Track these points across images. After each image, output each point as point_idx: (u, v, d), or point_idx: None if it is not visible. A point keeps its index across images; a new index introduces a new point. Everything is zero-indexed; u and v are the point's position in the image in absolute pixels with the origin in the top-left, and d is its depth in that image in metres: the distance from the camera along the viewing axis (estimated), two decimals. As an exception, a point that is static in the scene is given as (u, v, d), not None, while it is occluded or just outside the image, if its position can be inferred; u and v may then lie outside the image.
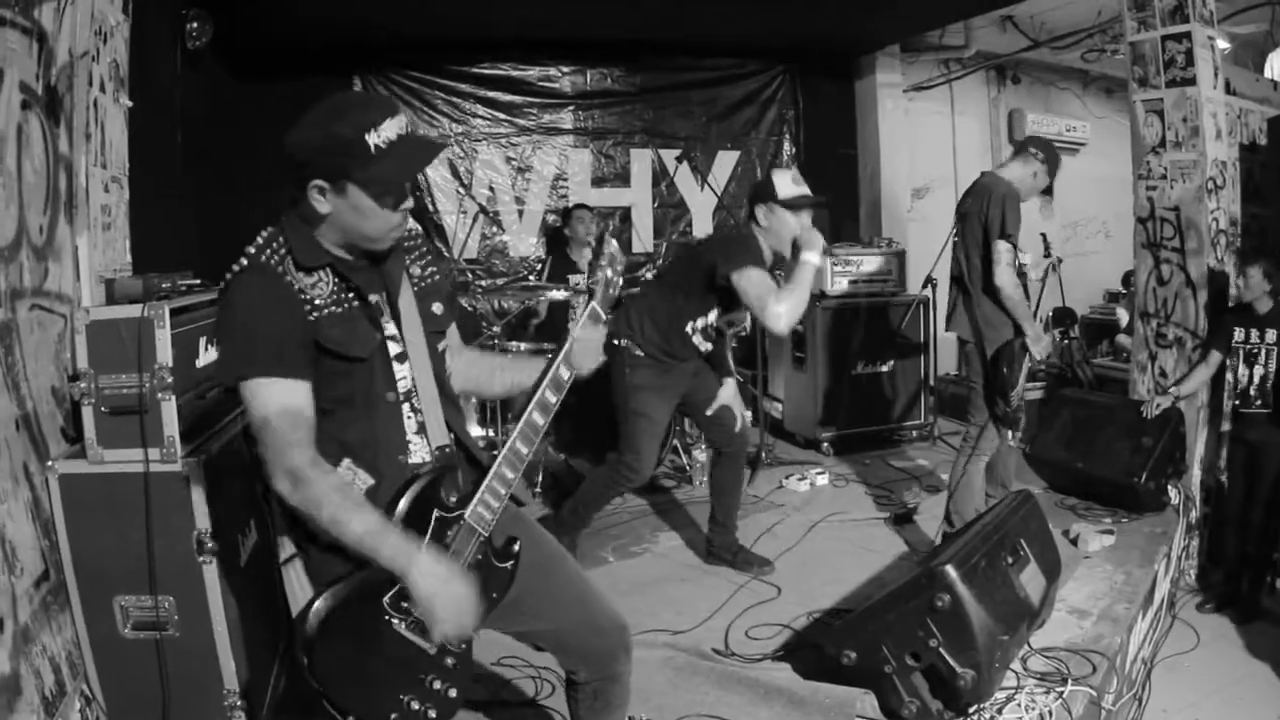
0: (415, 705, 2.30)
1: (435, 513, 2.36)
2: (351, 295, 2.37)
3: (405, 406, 2.45)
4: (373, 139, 2.18)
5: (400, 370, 2.45)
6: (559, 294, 6.80)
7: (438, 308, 2.60)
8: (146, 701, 3.26)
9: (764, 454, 7.42)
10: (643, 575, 5.27)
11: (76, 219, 3.70)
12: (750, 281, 4.55)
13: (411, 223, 2.55)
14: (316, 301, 2.29)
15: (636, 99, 9.38)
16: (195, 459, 3.20)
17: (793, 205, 4.67)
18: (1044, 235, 5.85)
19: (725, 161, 9.65)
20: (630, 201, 9.30)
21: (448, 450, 2.51)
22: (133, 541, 3.17)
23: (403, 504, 2.30)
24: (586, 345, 2.62)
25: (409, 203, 2.37)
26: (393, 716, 2.28)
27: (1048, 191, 5.42)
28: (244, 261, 2.28)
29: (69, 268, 3.63)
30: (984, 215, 5.15)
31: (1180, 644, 5.17)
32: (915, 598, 3.56)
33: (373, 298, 2.40)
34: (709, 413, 5.09)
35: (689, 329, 4.81)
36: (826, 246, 4.78)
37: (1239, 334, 5.60)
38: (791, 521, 6.08)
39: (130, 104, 4.23)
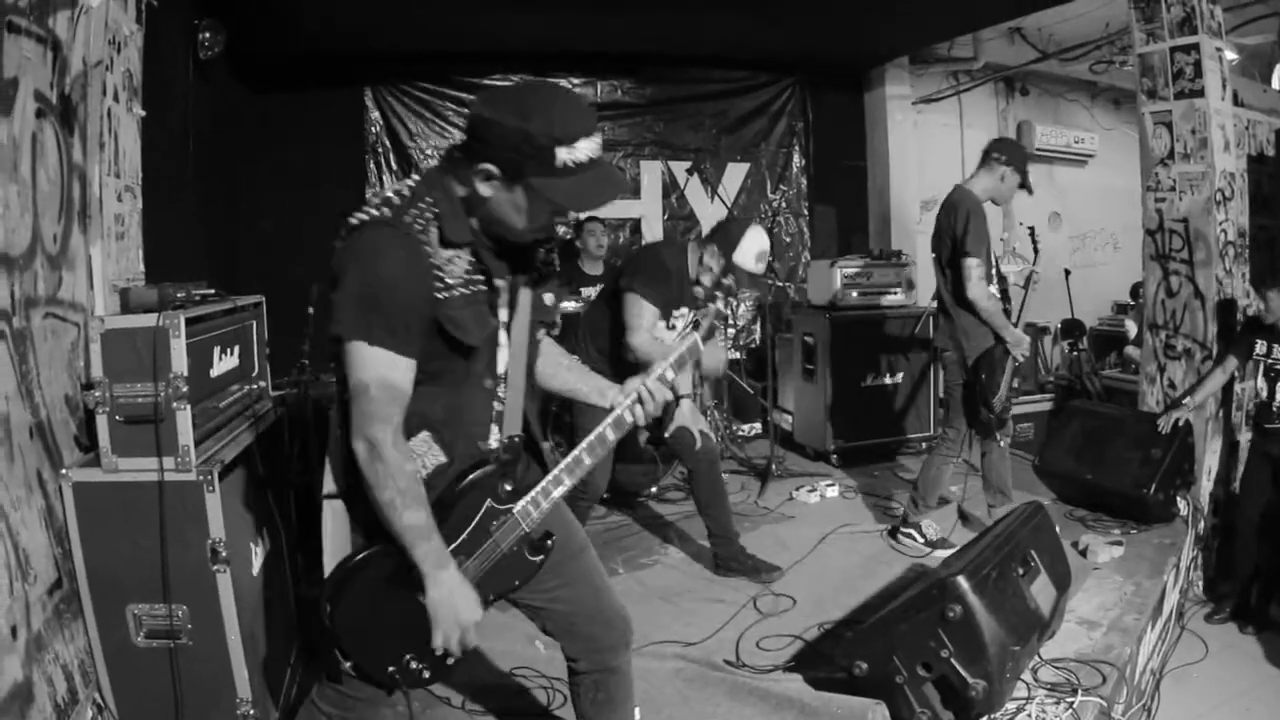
0: (414, 664, 2.42)
1: (488, 501, 2.44)
2: (481, 278, 2.36)
3: (497, 394, 2.48)
4: (563, 155, 2.15)
5: (502, 358, 2.47)
6: (570, 305, 6.80)
7: (549, 297, 2.64)
8: (159, 710, 3.26)
9: (774, 466, 7.41)
10: (653, 586, 5.26)
11: (90, 228, 3.71)
12: (634, 308, 4.58)
13: None
14: (448, 280, 2.27)
15: (647, 111, 9.40)
16: (209, 468, 3.20)
17: (738, 274, 4.67)
18: (1031, 230, 5.83)
19: (735, 173, 9.66)
20: (640, 213, 9.29)
21: (516, 441, 2.56)
22: (146, 550, 3.17)
23: (462, 487, 2.40)
24: (684, 373, 2.68)
25: (569, 219, 2.38)
26: (390, 668, 2.40)
27: (1024, 186, 5.47)
28: (385, 213, 2.24)
29: (82, 277, 3.64)
30: (953, 231, 5.30)
31: (1189, 654, 5.16)
32: (927, 608, 3.56)
33: (498, 283, 2.40)
34: (667, 435, 5.08)
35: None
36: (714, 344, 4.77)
37: (1261, 346, 5.60)
38: (802, 533, 6.05)
39: (143, 113, 4.25)
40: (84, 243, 3.67)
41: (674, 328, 4.76)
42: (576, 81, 9.14)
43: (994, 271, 5.55)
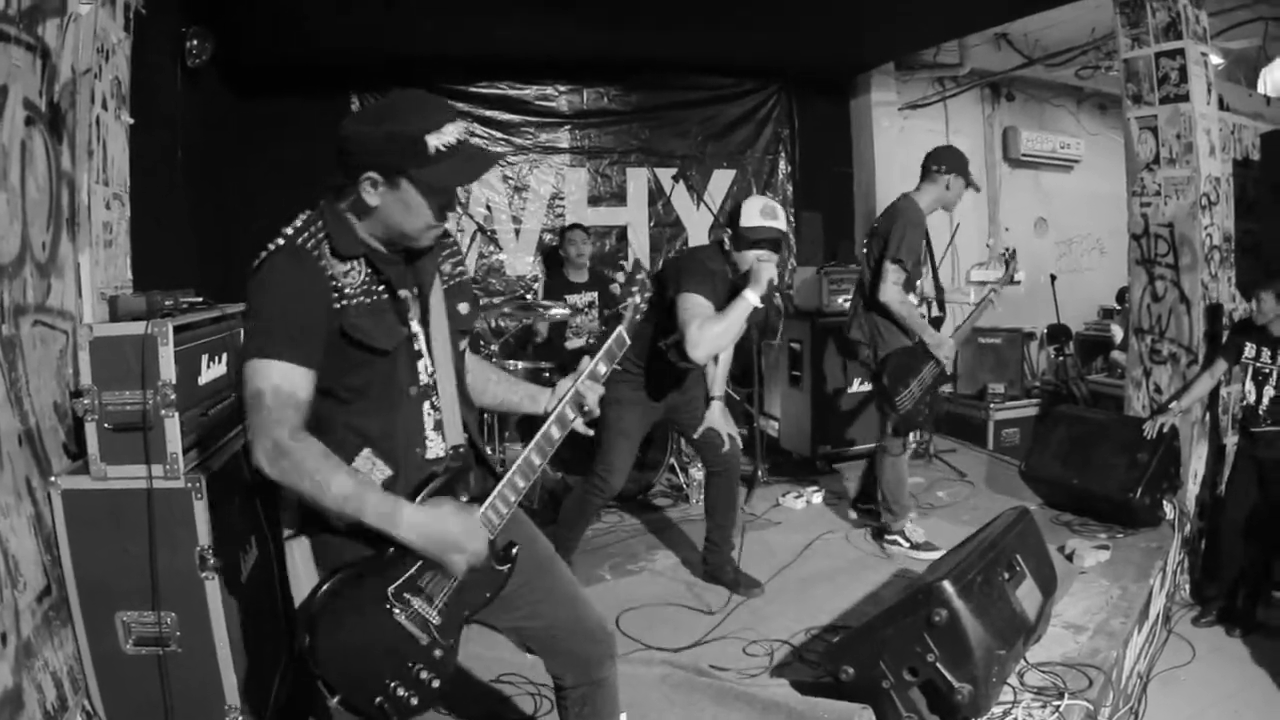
0: (401, 691, 2.39)
1: None
2: (382, 288, 2.41)
3: (426, 403, 2.50)
4: (434, 140, 2.25)
5: (423, 365, 2.50)
6: (557, 313, 6.80)
7: (464, 307, 2.66)
8: (148, 717, 3.27)
9: (760, 472, 7.42)
10: (640, 593, 5.26)
11: (79, 236, 3.73)
12: (685, 304, 4.52)
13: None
14: (346, 290, 2.34)
15: (633, 118, 9.37)
16: (198, 475, 3.21)
17: (750, 236, 4.64)
18: (1011, 253, 5.96)
19: (721, 180, 9.66)
20: (626, 220, 9.27)
21: (462, 450, 2.57)
22: (135, 557, 3.18)
23: (418, 500, 2.39)
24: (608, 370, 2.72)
25: (452, 209, 2.41)
26: (378, 699, 2.37)
27: (969, 185, 5.67)
28: (280, 242, 2.33)
29: (71, 284, 3.65)
30: (886, 235, 5.48)
31: (1176, 658, 5.18)
32: (913, 613, 3.58)
33: (403, 293, 2.45)
34: (695, 436, 5.09)
35: (662, 344, 4.78)
36: (775, 284, 4.72)
37: (1249, 349, 5.62)
38: (788, 539, 6.07)
39: (131, 121, 4.26)
40: (73, 250, 3.68)
41: None
42: (562, 89, 9.12)
43: (921, 282, 5.81)
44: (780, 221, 4.67)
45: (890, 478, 5.75)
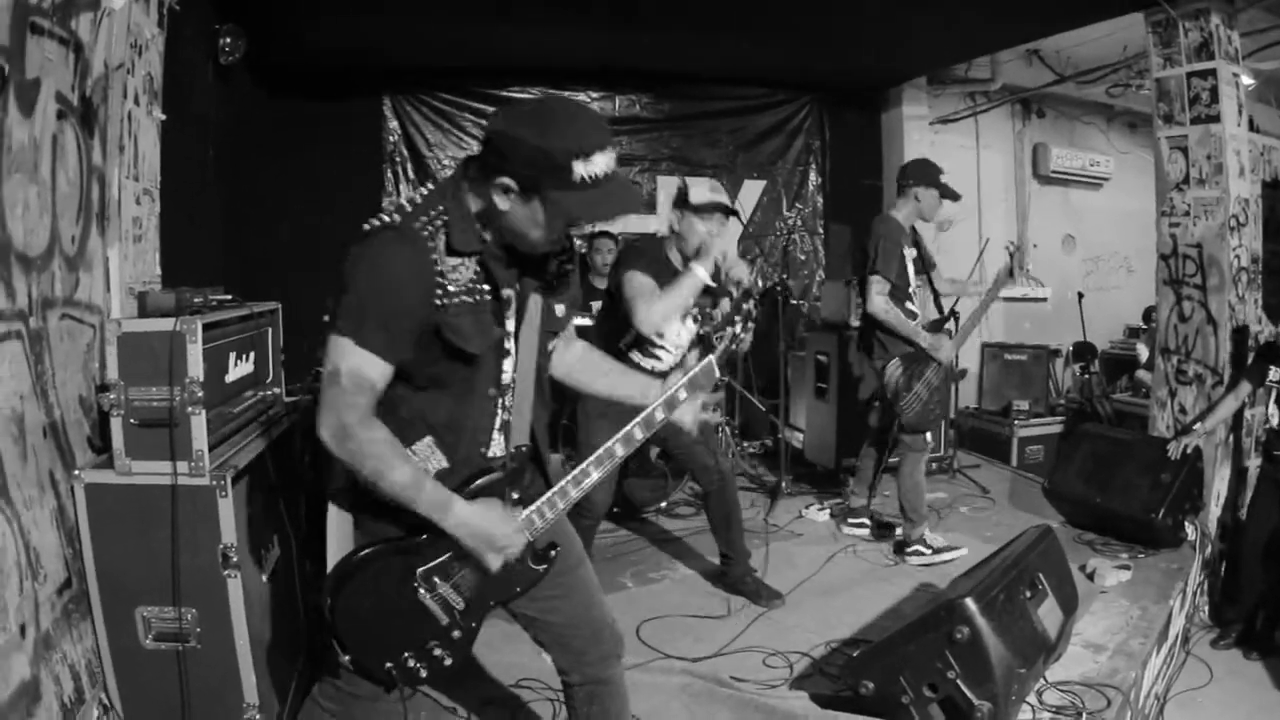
0: (411, 663, 2.46)
1: None
2: (487, 287, 2.39)
3: (499, 401, 2.51)
4: (580, 169, 2.17)
5: (509, 366, 2.50)
6: (580, 321, 6.78)
7: (561, 309, 2.64)
8: (165, 712, 3.26)
9: (784, 483, 7.41)
10: (661, 601, 5.25)
11: (108, 230, 3.73)
12: (629, 283, 4.56)
13: None
14: (450, 288, 2.31)
15: (664, 126, 9.40)
16: (223, 473, 3.21)
17: (699, 210, 4.67)
18: (1010, 245, 6.01)
19: (752, 190, 9.66)
20: (656, 228, 9.23)
21: (523, 451, 2.58)
22: (157, 553, 3.18)
23: (470, 489, 2.43)
24: (695, 397, 2.70)
25: (580, 226, 2.41)
26: (388, 665, 2.44)
27: (946, 195, 5.81)
28: (395, 218, 2.29)
29: (100, 279, 3.66)
30: (866, 253, 5.73)
31: (1194, 679, 5.14)
32: (934, 629, 3.57)
33: (505, 293, 2.43)
34: (677, 452, 5.05)
35: (621, 345, 4.75)
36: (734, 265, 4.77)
37: (1275, 373, 5.59)
38: (810, 551, 6.05)
39: (164, 117, 4.27)
40: (102, 245, 3.69)
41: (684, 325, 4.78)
42: (595, 95, 9.16)
43: (923, 289, 5.99)
44: (726, 199, 4.82)
45: (909, 484, 5.80)
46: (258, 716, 3.29)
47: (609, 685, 2.87)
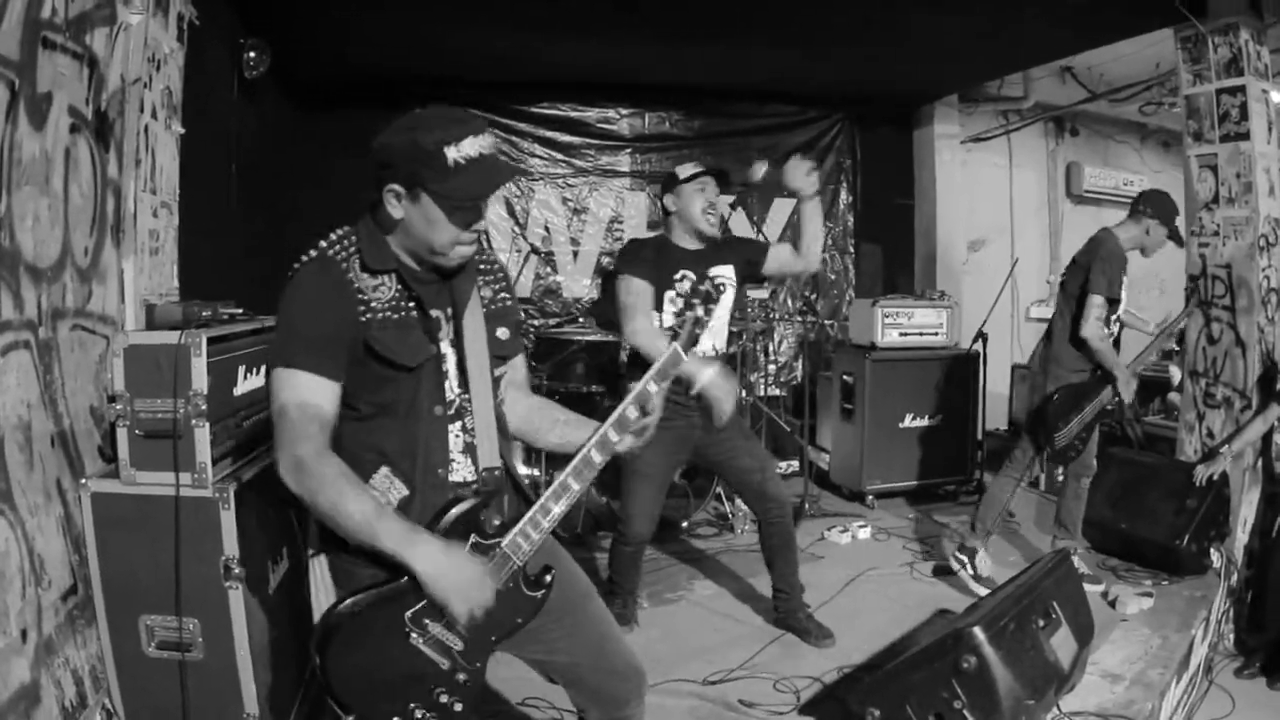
0: (419, 714, 2.35)
1: (472, 537, 2.39)
2: (412, 305, 2.42)
3: (456, 425, 2.48)
4: (451, 153, 2.24)
5: (451, 386, 2.48)
6: (607, 337, 6.80)
7: (503, 333, 2.63)
8: (167, 719, 3.28)
9: (807, 505, 7.37)
10: (676, 623, 5.24)
11: (123, 243, 3.77)
12: (623, 288, 4.59)
13: (493, 251, 2.60)
14: (373, 304, 2.36)
15: (694, 143, 9.34)
16: (226, 485, 3.22)
17: (689, 180, 4.71)
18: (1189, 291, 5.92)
19: (782, 209, 9.59)
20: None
21: (496, 474, 2.51)
22: (161, 562, 3.19)
23: (442, 524, 2.36)
24: (661, 390, 2.62)
25: (481, 224, 2.41)
26: None
27: (1173, 238, 5.62)
28: (312, 253, 2.38)
29: (114, 290, 3.70)
30: (1086, 267, 5.45)
31: (1216, 710, 5.05)
32: (941, 658, 3.53)
33: (434, 312, 2.45)
34: (730, 467, 4.89)
35: (623, 357, 4.71)
36: (723, 215, 4.87)
37: None
38: (830, 574, 5.99)
39: (182, 130, 4.31)
40: (116, 257, 3.73)
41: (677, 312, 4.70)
42: (625, 111, 9.17)
43: (1116, 315, 5.64)
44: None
45: (993, 492, 5.73)
46: (258, 727, 3.30)
47: None
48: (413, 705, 2.34)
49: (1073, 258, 5.69)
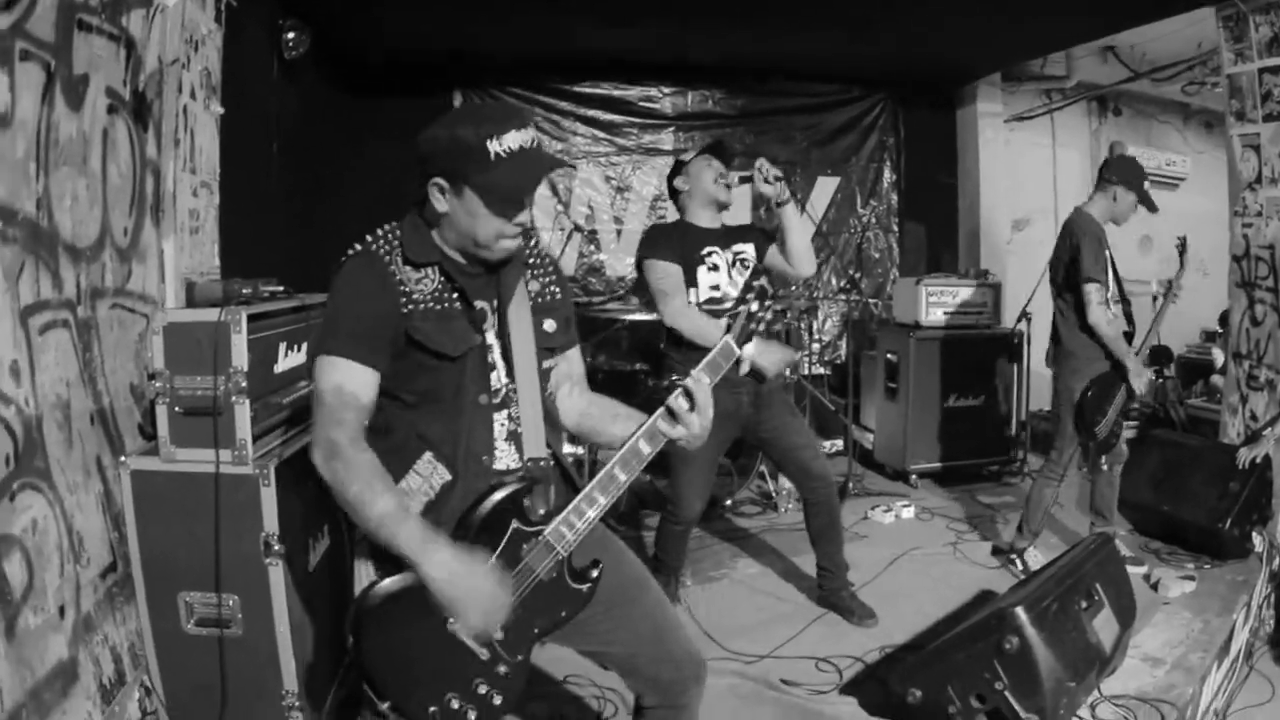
0: (455, 704, 2.31)
1: (514, 524, 2.37)
2: (455, 296, 2.43)
3: (501, 414, 2.47)
4: (494, 146, 2.24)
5: (499, 376, 2.47)
6: (651, 315, 6.78)
7: (550, 325, 2.61)
8: (205, 696, 3.30)
9: (851, 484, 7.35)
10: (719, 601, 5.22)
11: (163, 222, 3.79)
12: (652, 272, 4.64)
13: (545, 245, 2.60)
14: (415, 296, 2.38)
15: (737, 122, 9.31)
16: (266, 462, 3.23)
17: (695, 160, 4.75)
18: (1181, 241, 5.69)
19: (825, 187, 9.56)
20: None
21: (542, 463, 2.50)
22: (201, 539, 3.22)
23: (483, 508, 2.33)
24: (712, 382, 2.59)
25: (525, 216, 2.39)
26: (431, 709, 2.29)
27: (1144, 203, 5.57)
28: (358, 247, 2.41)
29: (154, 269, 3.72)
30: (1069, 255, 5.41)
31: (1255, 696, 4.96)
32: (984, 639, 3.50)
33: (479, 304, 2.45)
34: (779, 447, 4.86)
35: (661, 345, 4.70)
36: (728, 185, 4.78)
37: None
38: (874, 553, 5.96)
39: (221, 111, 4.32)
40: (156, 236, 3.75)
41: (716, 269, 4.73)
42: (667, 90, 9.14)
43: (1116, 290, 5.57)
44: None
45: (1034, 498, 5.63)
46: (297, 704, 3.32)
47: (685, 711, 2.78)
48: (449, 695, 2.30)
49: (1054, 250, 5.62)
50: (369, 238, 2.42)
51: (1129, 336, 5.51)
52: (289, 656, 3.30)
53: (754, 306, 2.68)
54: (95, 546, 3.16)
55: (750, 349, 4.03)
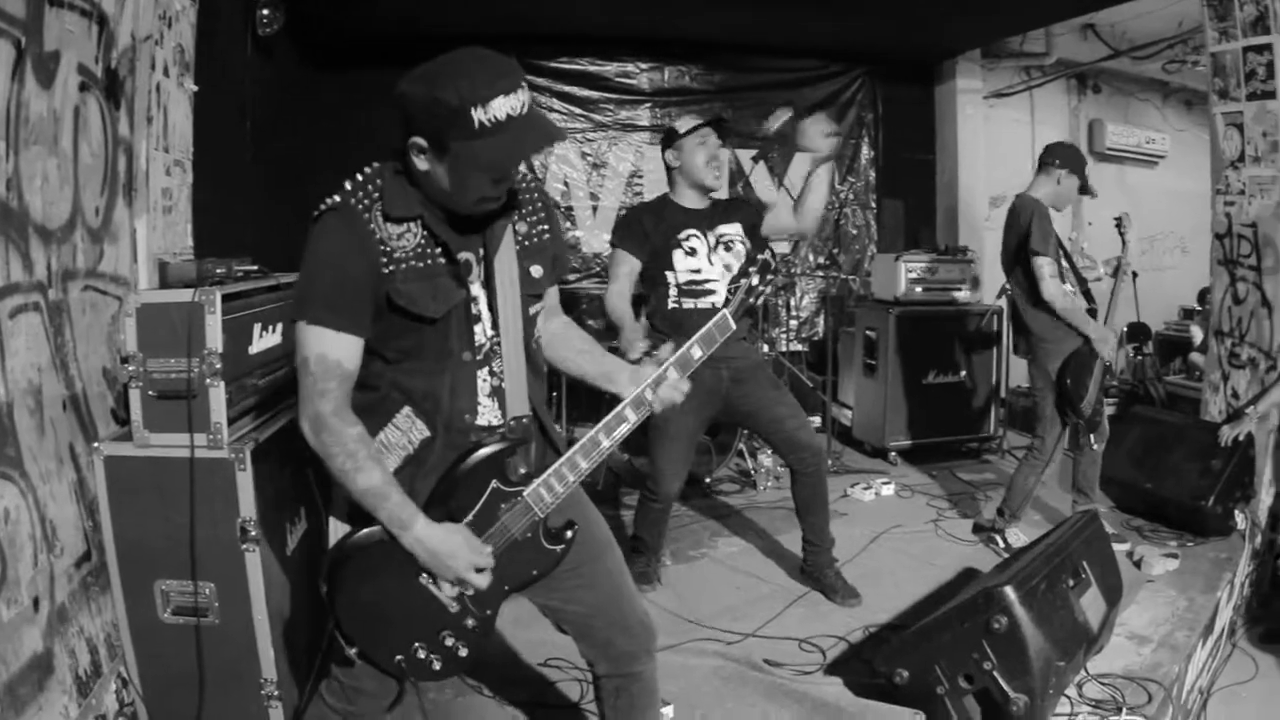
0: (422, 654, 2.38)
1: (494, 483, 2.38)
2: (438, 250, 2.35)
3: (484, 369, 2.43)
4: (479, 114, 2.12)
5: (484, 329, 2.43)
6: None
7: (537, 270, 2.55)
8: (183, 686, 3.24)
9: (831, 461, 7.31)
10: (699, 581, 5.20)
11: (136, 202, 3.71)
12: (611, 257, 4.72)
13: (525, 173, 2.52)
14: (396, 254, 2.29)
15: (715, 98, 9.26)
16: (242, 445, 3.17)
17: (688, 135, 4.66)
18: (1119, 221, 5.67)
19: (803, 163, 9.39)
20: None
21: (524, 422, 2.48)
22: (176, 526, 3.15)
23: (463, 467, 2.34)
24: (704, 355, 2.61)
25: (509, 181, 2.35)
26: (398, 658, 2.36)
27: (1084, 190, 5.64)
28: (335, 199, 2.29)
29: (126, 250, 3.64)
30: (1018, 236, 5.42)
31: (1239, 673, 5.00)
32: (972, 618, 3.47)
33: (462, 256, 2.38)
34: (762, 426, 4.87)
35: (643, 320, 4.70)
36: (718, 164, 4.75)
37: None
38: (853, 531, 5.93)
39: (195, 88, 4.24)
40: (129, 216, 3.67)
41: (693, 253, 4.69)
42: (644, 66, 9.08)
43: (1070, 271, 5.57)
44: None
45: (1019, 484, 5.61)
46: (275, 692, 3.26)
47: (638, 680, 2.77)
48: (417, 645, 2.37)
49: (1003, 238, 5.63)
50: (347, 186, 2.30)
51: (1092, 314, 5.49)
52: (267, 645, 3.24)
53: (754, 280, 2.67)
54: (69, 535, 3.09)
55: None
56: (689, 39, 8.86)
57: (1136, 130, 11.05)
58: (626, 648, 2.73)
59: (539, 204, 2.62)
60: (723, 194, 4.83)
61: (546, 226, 2.61)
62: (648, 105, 9.14)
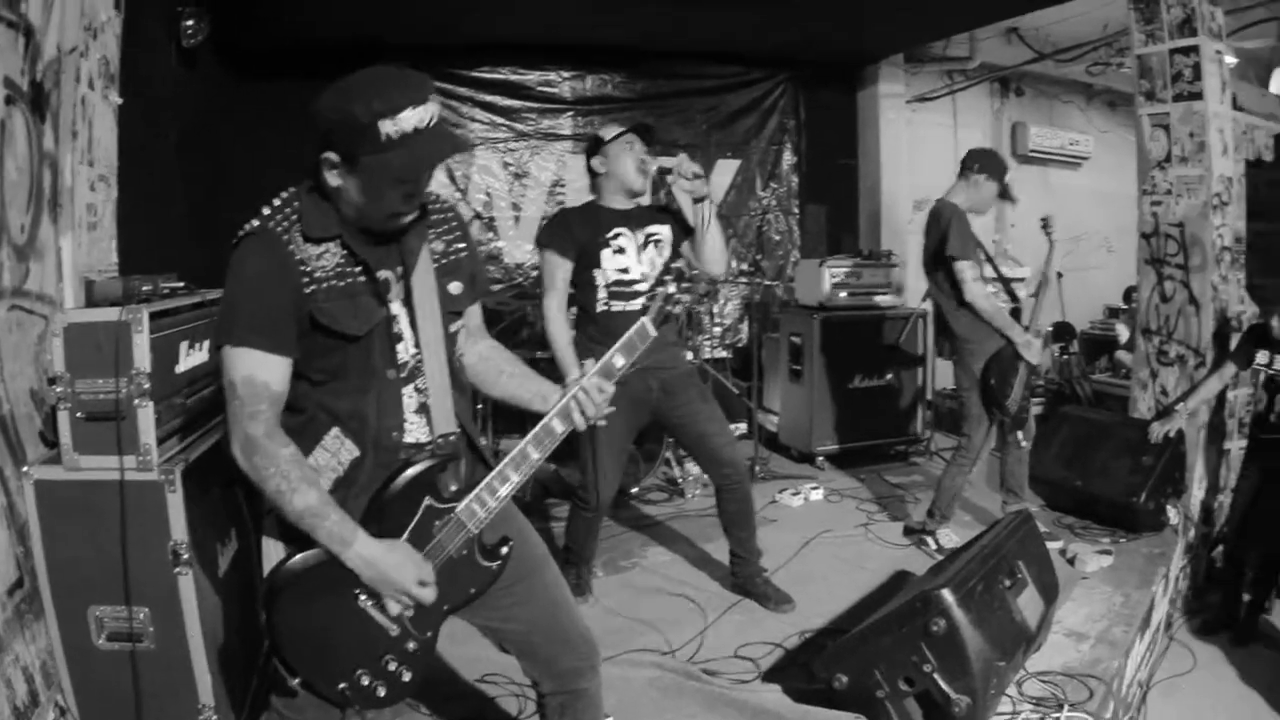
0: (366, 680, 2.33)
1: (426, 500, 2.36)
2: (358, 269, 2.35)
3: (409, 386, 2.43)
4: (386, 127, 2.15)
5: (403, 349, 2.42)
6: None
7: (455, 287, 2.55)
8: (121, 713, 3.17)
9: (757, 468, 7.35)
10: (631, 591, 5.19)
11: (61, 218, 3.62)
12: (542, 261, 4.74)
13: (443, 195, 2.52)
14: (317, 274, 2.29)
15: (637, 105, 9.24)
16: (171, 467, 3.11)
17: (614, 140, 4.67)
18: (1044, 221, 5.73)
19: (725, 170, 9.56)
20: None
21: (451, 439, 2.48)
22: (109, 551, 3.08)
23: (396, 485, 2.32)
24: (626, 364, 2.61)
25: (419, 196, 2.35)
26: (341, 685, 2.31)
27: (1004, 195, 5.77)
28: (254, 224, 2.30)
29: (52, 268, 3.55)
30: (938, 240, 5.49)
31: (1177, 666, 5.09)
32: (910, 622, 3.49)
33: (381, 274, 2.38)
34: (691, 441, 4.88)
35: (597, 300, 4.68)
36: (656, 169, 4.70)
37: (1262, 357, 5.50)
38: (784, 537, 5.96)
39: (120, 101, 4.16)
40: (54, 233, 3.58)
41: (621, 252, 4.70)
42: (566, 74, 9.05)
43: (993, 273, 5.70)
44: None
45: (947, 484, 5.68)
46: (213, 717, 3.21)
47: (582, 697, 2.76)
48: (360, 672, 2.32)
49: (924, 241, 5.71)
50: (265, 211, 2.31)
51: (1016, 314, 5.60)
52: (203, 670, 3.18)
53: (671, 288, 2.67)
54: (1, 563, 3.01)
55: None
56: (611, 46, 8.84)
57: (1060, 132, 11.21)
58: (571, 664, 2.72)
59: (454, 223, 2.64)
60: (647, 200, 4.80)
61: (463, 245, 2.63)
62: (570, 114, 9.09)
